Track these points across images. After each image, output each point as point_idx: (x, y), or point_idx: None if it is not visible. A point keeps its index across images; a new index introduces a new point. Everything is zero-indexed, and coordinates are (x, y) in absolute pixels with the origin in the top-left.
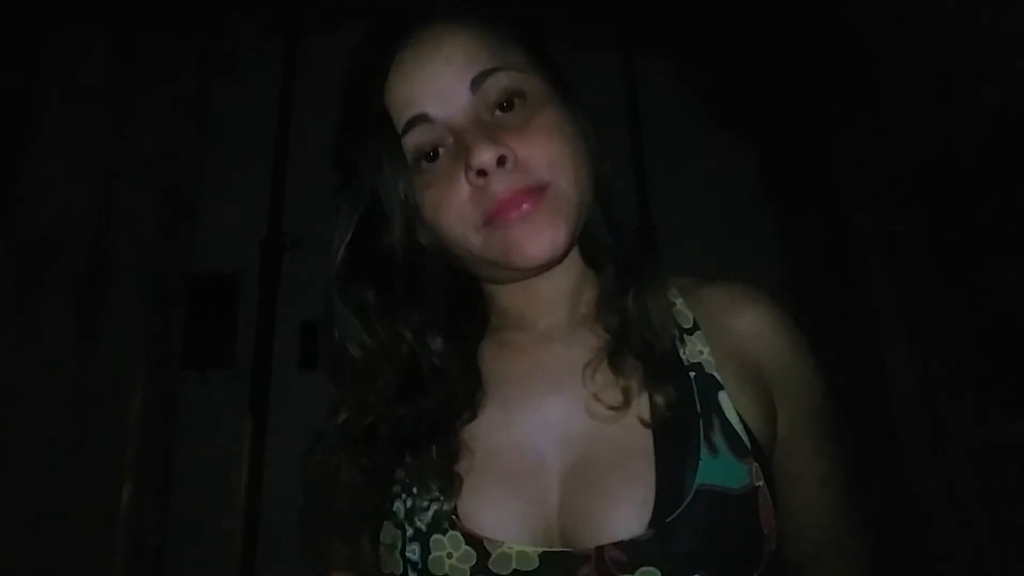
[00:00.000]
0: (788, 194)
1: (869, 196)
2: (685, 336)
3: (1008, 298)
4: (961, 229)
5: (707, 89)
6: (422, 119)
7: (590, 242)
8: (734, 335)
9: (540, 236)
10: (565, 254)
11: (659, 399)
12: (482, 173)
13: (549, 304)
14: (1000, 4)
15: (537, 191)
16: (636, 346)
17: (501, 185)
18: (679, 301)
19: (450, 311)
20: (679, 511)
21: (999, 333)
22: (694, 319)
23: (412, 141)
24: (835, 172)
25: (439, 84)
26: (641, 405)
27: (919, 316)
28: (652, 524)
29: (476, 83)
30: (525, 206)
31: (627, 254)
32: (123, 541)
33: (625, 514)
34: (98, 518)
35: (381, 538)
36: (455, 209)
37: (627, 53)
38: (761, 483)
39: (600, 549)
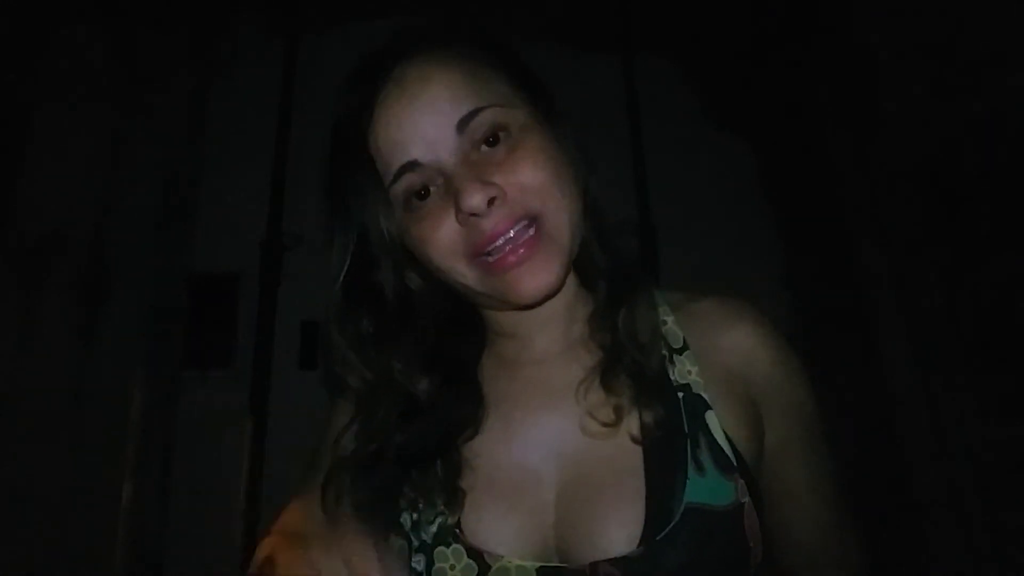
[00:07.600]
0: (788, 194)
1: (869, 196)
2: (675, 356)
3: (1007, 298)
4: (961, 229)
5: (707, 89)
6: (412, 165)
7: (585, 259)
8: (722, 352)
9: (536, 278)
10: (561, 287)
11: (647, 418)
12: (473, 214)
13: (543, 323)
14: (998, 4)
15: (528, 225)
16: (627, 365)
17: (491, 221)
18: (670, 319)
19: (446, 333)
20: (668, 529)
21: (999, 333)
22: (684, 338)
23: (402, 186)
24: (835, 172)
25: (425, 130)
26: (632, 423)
27: (919, 316)
28: (643, 542)
29: (461, 126)
30: (523, 251)
31: (619, 271)
32: (123, 541)
33: (617, 532)
34: (98, 518)
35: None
36: (445, 245)
37: (627, 53)
38: (747, 499)
39: (594, 565)
